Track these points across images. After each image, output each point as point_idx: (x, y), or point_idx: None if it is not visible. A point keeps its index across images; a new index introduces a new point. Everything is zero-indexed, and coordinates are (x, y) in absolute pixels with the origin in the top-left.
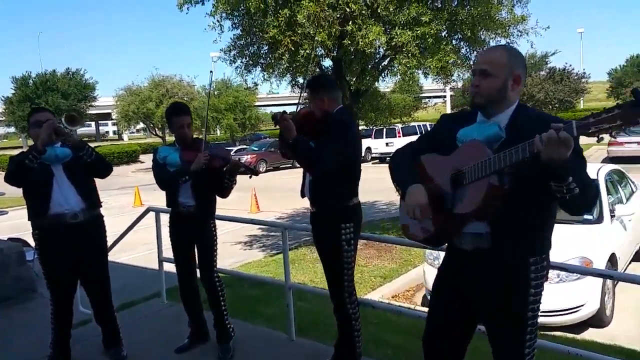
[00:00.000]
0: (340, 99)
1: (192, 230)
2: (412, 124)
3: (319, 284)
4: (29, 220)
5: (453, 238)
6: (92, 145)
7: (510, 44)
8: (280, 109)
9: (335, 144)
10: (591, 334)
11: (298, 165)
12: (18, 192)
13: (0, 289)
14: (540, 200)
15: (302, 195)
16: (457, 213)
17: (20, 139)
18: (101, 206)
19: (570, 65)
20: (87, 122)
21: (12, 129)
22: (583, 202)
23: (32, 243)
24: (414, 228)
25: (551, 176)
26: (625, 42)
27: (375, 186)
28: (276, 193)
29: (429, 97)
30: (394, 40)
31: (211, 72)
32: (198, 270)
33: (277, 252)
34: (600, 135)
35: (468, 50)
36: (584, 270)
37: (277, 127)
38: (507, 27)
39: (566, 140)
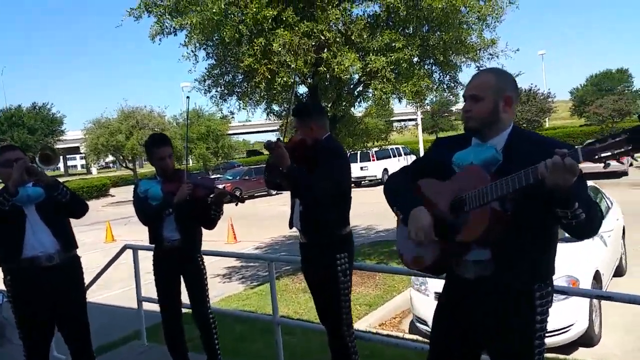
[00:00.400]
0: (327, 125)
1: (179, 266)
2: (386, 147)
3: (304, 316)
4: None
5: (453, 265)
6: (61, 180)
7: (480, 68)
8: (253, 137)
9: (328, 172)
10: (582, 354)
11: (274, 193)
12: None
13: None
14: (543, 225)
15: (291, 226)
16: (459, 241)
17: None
18: (77, 247)
19: (536, 85)
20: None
21: None
22: (589, 227)
23: (2, 287)
24: (412, 256)
25: (556, 202)
26: (584, 61)
27: (353, 211)
28: (253, 222)
29: (400, 120)
30: (369, 66)
31: (188, 97)
32: (184, 309)
33: (257, 284)
34: (608, 162)
35: (441, 74)
36: (584, 293)
37: (268, 154)
38: (478, 51)
39: (572, 167)
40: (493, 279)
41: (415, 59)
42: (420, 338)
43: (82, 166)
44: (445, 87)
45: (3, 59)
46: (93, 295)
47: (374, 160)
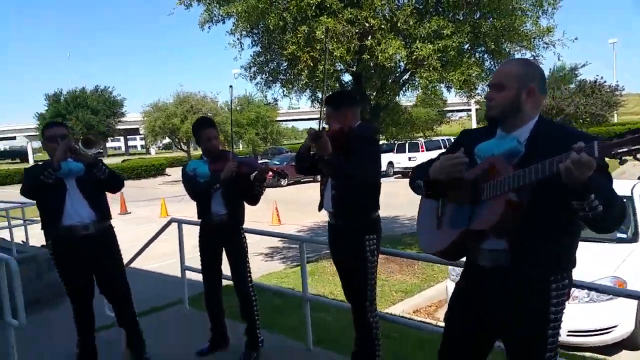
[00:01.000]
0: (359, 114)
1: (223, 239)
2: (435, 138)
3: (339, 296)
4: (42, 229)
5: (469, 253)
6: (121, 159)
7: (536, 57)
8: (301, 124)
9: (363, 159)
10: (625, 357)
11: (320, 179)
12: None
13: (34, 294)
14: (560, 217)
15: (320, 209)
16: (474, 229)
17: None
18: (111, 218)
19: (602, 77)
20: (116, 137)
21: None
22: (608, 221)
23: None
24: (430, 240)
25: (572, 194)
26: None
27: (398, 201)
28: (297, 206)
29: (453, 111)
30: (415, 54)
31: (231, 86)
32: (226, 281)
33: (297, 264)
34: (624, 158)
35: (492, 63)
36: (612, 291)
37: (310, 142)
38: (532, 39)
39: (588, 162)
40: (508, 268)
41: (466, 46)
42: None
43: (142, 146)
44: None
45: (70, 44)
46: (147, 264)
47: (422, 151)
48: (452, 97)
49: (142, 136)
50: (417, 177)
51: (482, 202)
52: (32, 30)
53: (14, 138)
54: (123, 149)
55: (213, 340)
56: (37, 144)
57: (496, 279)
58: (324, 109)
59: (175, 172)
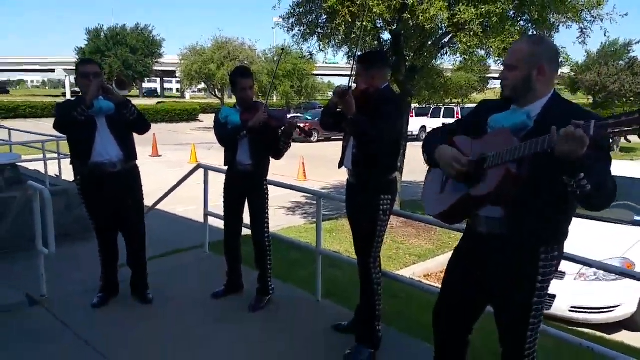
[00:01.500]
0: (387, 75)
1: (247, 189)
2: (470, 105)
3: (353, 255)
4: (70, 164)
5: (467, 218)
6: (156, 100)
7: (584, 29)
8: (338, 80)
9: (389, 121)
10: (622, 336)
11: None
12: None
13: (64, 227)
14: (555, 192)
15: (340, 166)
16: (473, 195)
17: None
18: (137, 158)
19: None
20: (153, 78)
21: None
22: (598, 200)
23: None
24: (433, 203)
25: (563, 170)
26: None
27: (424, 166)
28: (324, 163)
29: (495, 78)
30: (457, 17)
31: (283, 49)
32: (246, 230)
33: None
34: (615, 137)
35: (536, 33)
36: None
37: (336, 99)
38: (580, 12)
39: (581, 138)
40: (503, 236)
41: (510, 13)
42: None
43: (177, 90)
44: None
45: None
46: (175, 208)
47: (457, 117)
48: (494, 65)
49: (178, 79)
50: (427, 147)
51: (484, 170)
52: None
53: (52, 71)
54: (159, 90)
55: (228, 285)
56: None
57: (491, 245)
58: (355, 66)
59: (208, 119)
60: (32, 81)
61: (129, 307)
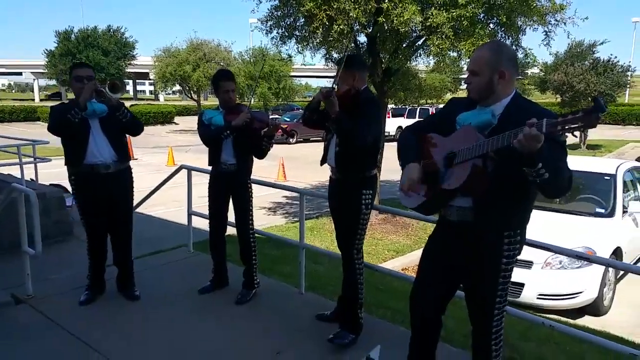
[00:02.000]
0: (366, 78)
1: (231, 187)
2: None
3: (334, 251)
4: (65, 165)
5: (441, 209)
6: (129, 103)
7: (548, 32)
8: (315, 82)
9: (371, 121)
10: (585, 321)
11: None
12: (59, 141)
13: (44, 229)
14: (517, 182)
15: (322, 163)
16: (445, 189)
17: (61, 92)
18: (130, 159)
19: (616, 57)
20: (126, 80)
21: (52, 82)
22: (555, 187)
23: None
24: (409, 197)
25: (523, 162)
26: None
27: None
28: (304, 164)
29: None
30: (429, 20)
31: (264, 58)
32: (230, 229)
33: (298, 220)
34: (566, 134)
35: (504, 35)
36: (565, 252)
37: (322, 98)
38: (544, 15)
39: (537, 136)
40: (472, 223)
41: (480, 17)
42: None
43: (150, 92)
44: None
45: None
46: (154, 210)
47: None
48: (465, 66)
49: (152, 81)
50: (402, 149)
51: (454, 165)
52: None
53: (19, 74)
54: (131, 93)
55: (214, 280)
56: (44, 81)
57: (461, 231)
58: (338, 68)
59: (184, 121)
60: None
61: (116, 304)
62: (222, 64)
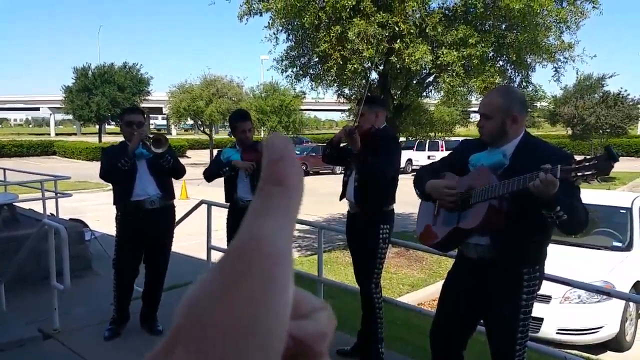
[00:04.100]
0: (385, 116)
1: None
2: (454, 138)
3: (350, 284)
4: (114, 204)
5: (457, 247)
6: None
7: (557, 69)
8: (324, 115)
9: (391, 157)
10: (608, 357)
11: (338, 171)
12: (83, 176)
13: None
14: (533, 221)
15: (341, 198)
16: (462, 228)
17: (75, 127)
18: (174, 197)
19: (626, 90)
20: None
21: (69, 116)
22: (573, 225)
23: (106, 225)
24: (426, 234)
25: (541, 205)
26: None
27: (413, 198)
28: (315, 197)
29: (477, 112)
30: (440, 59)
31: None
32: None
33: (311, 253)
34: (578, 180)
35: (513, 72)
36: (588, 288)
37: (345, 136)
38: (553, 53)
39: (553, 182)
40: (490, 260)
41: (490, 55)
42: None
43: (161, 126)
44: (516, 86)
45: (100, 19)
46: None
47: (442, 150)
48: (475, 100)
49: (165, 116)
50: (418, 183)
51: (470, 205)
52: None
53: (37, 109)
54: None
55: None
56: (61, 116)
57: (480, 268)
58: (361, 107)
59: (196, 155)
60: (15, 119)
61: (140, 339)
62: (234, 99)
